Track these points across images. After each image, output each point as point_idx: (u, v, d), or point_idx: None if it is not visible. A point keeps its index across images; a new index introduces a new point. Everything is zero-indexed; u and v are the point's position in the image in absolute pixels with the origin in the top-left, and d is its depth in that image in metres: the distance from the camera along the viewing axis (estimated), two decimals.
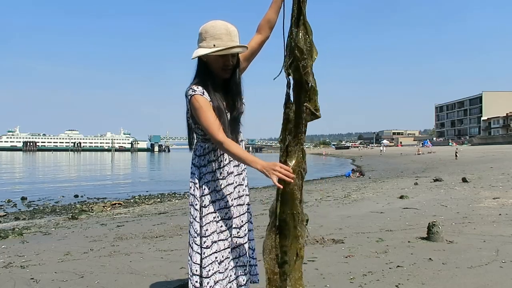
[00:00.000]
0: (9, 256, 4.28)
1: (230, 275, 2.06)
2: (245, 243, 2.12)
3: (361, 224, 5.25)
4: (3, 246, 4.93)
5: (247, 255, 2.13)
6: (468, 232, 4.54)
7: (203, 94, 1.97)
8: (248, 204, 2.18)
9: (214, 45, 1.93)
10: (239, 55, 2.08)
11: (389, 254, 3.73)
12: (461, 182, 10.74)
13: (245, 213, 2.13)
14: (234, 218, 2.07)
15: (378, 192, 9.53)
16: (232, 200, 2.07)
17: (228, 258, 2.05)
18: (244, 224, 2.11)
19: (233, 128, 2.04)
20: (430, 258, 3.50)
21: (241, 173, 2.15)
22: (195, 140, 2.12)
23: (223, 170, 2.06)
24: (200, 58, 2.01)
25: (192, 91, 1.97)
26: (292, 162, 1.93)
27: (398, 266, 3.33)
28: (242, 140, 2.17)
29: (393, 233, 4.63)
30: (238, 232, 2.08)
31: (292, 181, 1.85)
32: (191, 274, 2.00)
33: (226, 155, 2.06)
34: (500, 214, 5.55)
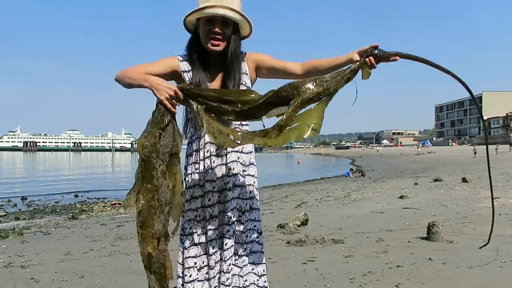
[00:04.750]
0: (9, 256, 4.28)
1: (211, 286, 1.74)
2: (225, 259, 1.72)
3: (361, 224, 5.25)
4: (3, 246, 4.93)
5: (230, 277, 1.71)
6: (468, 232, 4.54)
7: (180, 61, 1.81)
8: (238, 221, 1.76)
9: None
10: (269, 62, 1.84)
11: (389, 254, 3.73)
12: (461, 182, 10.75)
13: (225, 224, 1.73)
14: (216, 223, 1.76)
15: (378, 192, 9.53)
16: (210, 201, 1.76)
17: (207, 266, 1.75)
18: (223, 238, 1.73)
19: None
20: (430, 258, 3.50)
21: (228, 177, 1.76)
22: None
23: (204, 162, 1.77)
24: (195, 31, 1.79)
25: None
26: None
27: (398, 266, 3.33)
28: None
29: (393, 233, 4.63)
30: (222, 243, 1.75)
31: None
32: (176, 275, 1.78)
33: (210, 147, 1.76)
34: (500, 214, 5.54)
